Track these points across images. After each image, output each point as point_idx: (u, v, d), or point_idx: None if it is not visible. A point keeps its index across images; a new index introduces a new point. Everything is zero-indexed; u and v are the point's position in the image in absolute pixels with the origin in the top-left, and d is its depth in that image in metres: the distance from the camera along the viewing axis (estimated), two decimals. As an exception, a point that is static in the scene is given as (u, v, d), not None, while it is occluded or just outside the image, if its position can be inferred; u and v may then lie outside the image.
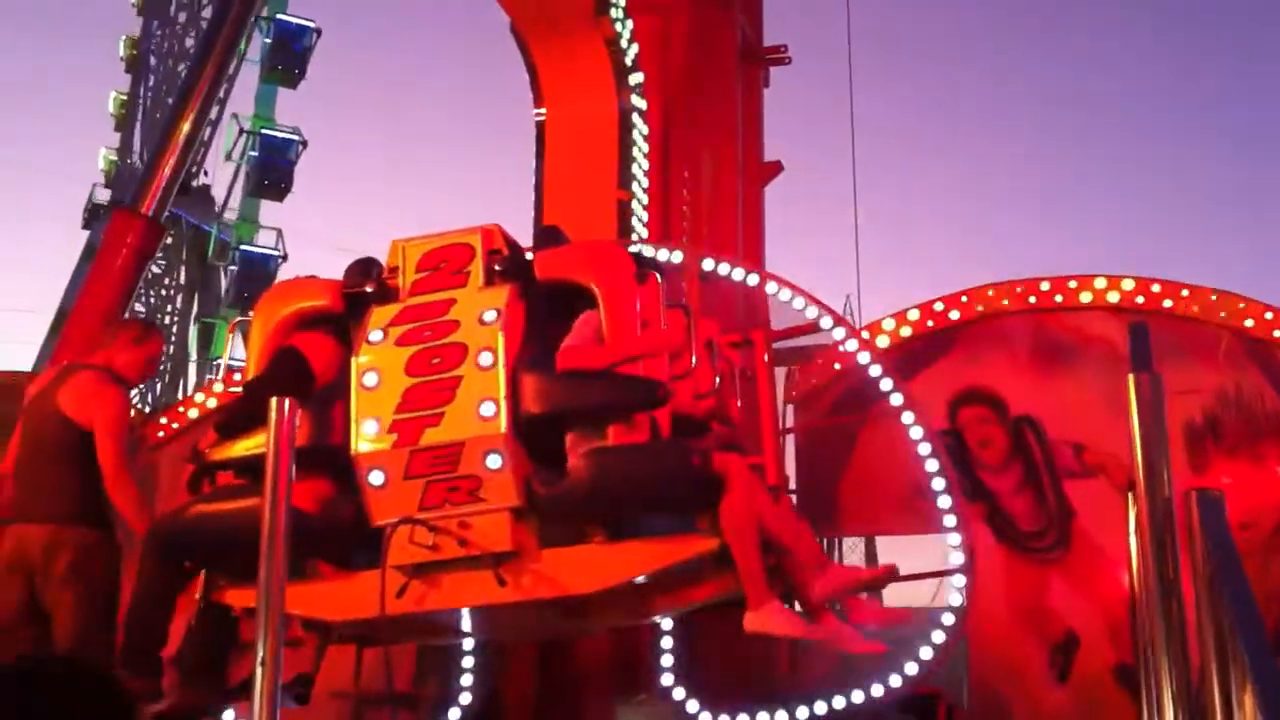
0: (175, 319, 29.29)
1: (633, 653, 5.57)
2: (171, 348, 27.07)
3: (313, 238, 35.89)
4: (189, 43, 29.02)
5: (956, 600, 4.84)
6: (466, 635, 5.14)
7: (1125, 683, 5.19)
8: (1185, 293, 5.88)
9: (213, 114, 21.32)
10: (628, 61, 6.77)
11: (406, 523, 4.14)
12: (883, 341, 6.00)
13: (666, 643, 5.24)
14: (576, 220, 5.75)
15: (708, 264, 5.56)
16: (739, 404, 5.06)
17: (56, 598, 4.71)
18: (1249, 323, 5.80)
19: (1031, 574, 5.77)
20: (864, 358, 5.36)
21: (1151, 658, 2.98)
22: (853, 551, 10.54)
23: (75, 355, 6.73)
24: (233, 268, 27.41)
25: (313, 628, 4.58)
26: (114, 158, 30.19)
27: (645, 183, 6.67)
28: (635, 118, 6.73)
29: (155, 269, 27.75)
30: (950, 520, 5.00)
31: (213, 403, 6.68)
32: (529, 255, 4.57)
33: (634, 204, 6.58)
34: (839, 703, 4.85)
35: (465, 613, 4.48)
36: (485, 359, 4.20)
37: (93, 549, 4.77)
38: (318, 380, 4.41)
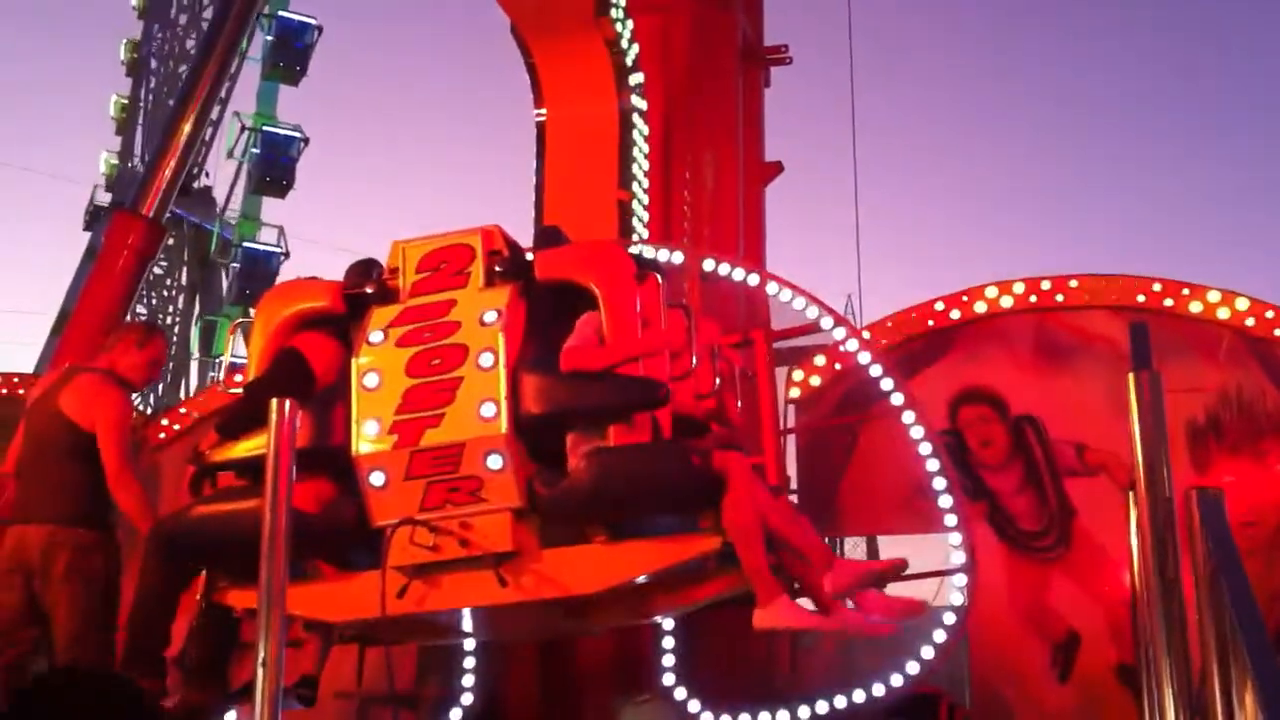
0: (177, 320, 29.33)
1: (634, 653, 5.57)
2: (173, 349, 27.08)
3: (313, 238, 35.94)
4: (190, 45, 29.08)
5: (958, 600, 4.84)
6: (468, 636, 5.14)
7: (1126, 682, 5.20)
8: (1186, 291, 5.89)
9: (214, 114, 21.40)
10: (628, 62, 6.77)
11: (407, 523, 4.15)
12: (883, 341, 6.00)
13: (668, 643, 5.24)
14: (577, 221, 5.74)
15: (708, 264, 5.57)
16: (739, 404, 5.06)
17: (55, 598, 4.71)
18: (1250, 321, 5.80)
19: (1033, 573, 5.77)
20: (865, 358, 5.36)
21: (1153, 657, 2.99)
22: (854, 551, 10.49)
23: (77, 356, 6.74)
24: (235, 265, 27.44)
25: (314, 629, 4.59)
26: (115, 161, 30.25)
27: (646, 183, 6.67)
28: (636, 118, 6.73)
29: (157, 270, 27.79)
30: (951, 520, 5.00)
31: (214, 404, 6.69)
32: (529, 256, 4.56)
33: (634, 204, 6.58)
34: (840, 702, 4.85)
35: (466, 613, 4.49)
36: (486, 360, 4.20)
37: (91, 550, 4.77)
38: (318, 381, 4.41)
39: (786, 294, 5.48)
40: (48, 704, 2.00)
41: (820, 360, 6.07)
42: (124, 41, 31.50)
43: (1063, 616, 5.67)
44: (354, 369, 4.33)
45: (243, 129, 27.33)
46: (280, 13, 27.12)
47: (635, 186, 6.64)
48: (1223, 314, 5.82)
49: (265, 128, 27.30)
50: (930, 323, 6.12)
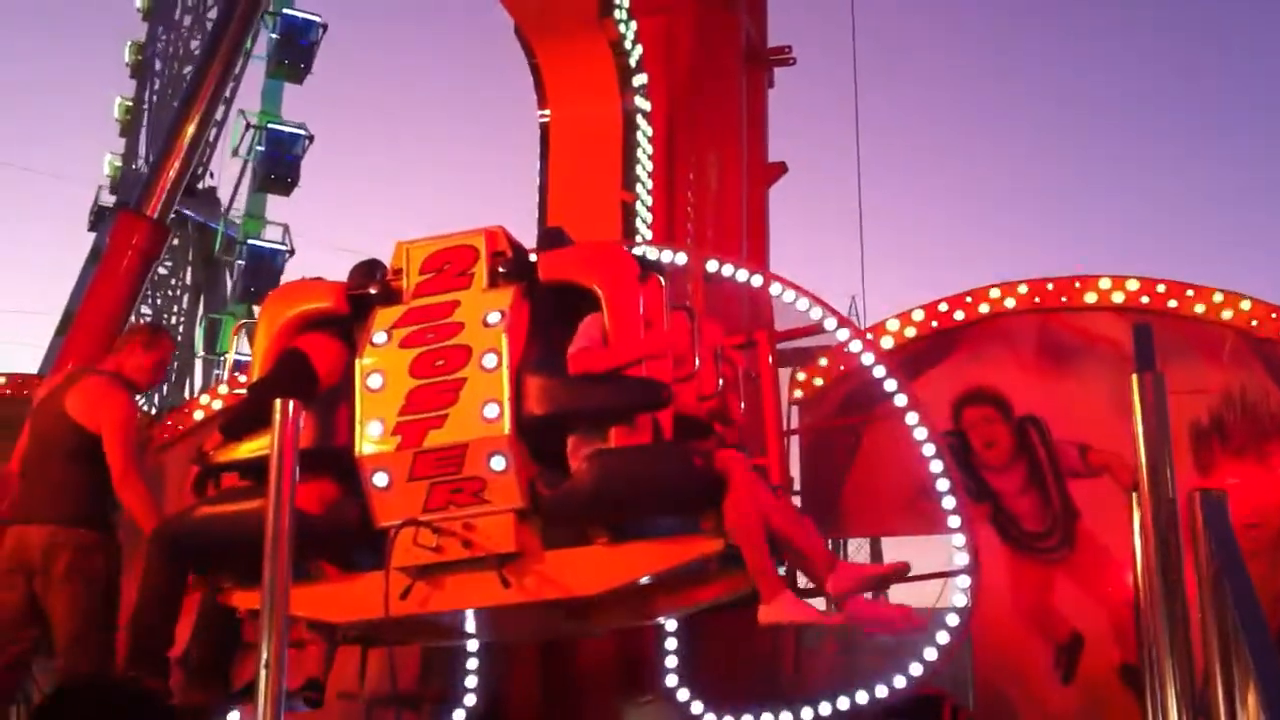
0: (182, 320, 29.37)
1: (637, 654, 5.57)
2: (179, 348, 27.12)
3: (316, 238, 35.96)
4: (194, 47, 29.14)
5: (961, 601, 4.84)
6: (471, 636, 5.15)
7: (1130, 683, 5.20)
8: (1190, 293, 5.88)
9: (219, 113, 21.42)
10: (632, 63, 6.77)
11: (411, 524, 4.15)
12: (887, 342, 6.00)
13: (671, 644, 5.24)
14: (580, 222, 5.75)
15: (711, 265, 5.57)
16: (743, 405, 5.06)
17: (55, 598, 4.72)
18: (1254, 323, 5.80)
19: (1036, 574, 5.76)
20: (868, 359, 5.36)
21: (1156, 658, 2.99)
22: (858, 552, 10.52)
23: (81, 357, 6.75)
24: (239, 263, 27.50)
25: (317, 630, 4.60)
26: (119, 163, 30.32)
27: (649, 184, 6.67)
28: (639, 119, 6.73)
29: (162, 270, 27.84)
30: (955, 521, 4.99)
31: (218, 404, 6.70)
32: (533, 257, 4.57)
33: (638, 205, 6.58)
34: (843, 704, 4.85)
35: (469, 614, 4.49)
36: (489, 361, 4.21)
37: (92, 550, 4.78)
38: (322, 382, 4.42)
39: (790, 295, 5.48)
40: (77, 710, 2.00)
41: (824, 361, 6.07)
42: (128, 43, 31.58)
43: (1066, 618, 5.66)
44: (358, 370, 4.34)
45: (248, 126, 27.41)
46: (285, 10, 27.21)
47: (639, 187, 6.64)
48: (1227, 315, 5.82)
49: (270, 125, 27.36)
50: (934, 324, 6.11)
